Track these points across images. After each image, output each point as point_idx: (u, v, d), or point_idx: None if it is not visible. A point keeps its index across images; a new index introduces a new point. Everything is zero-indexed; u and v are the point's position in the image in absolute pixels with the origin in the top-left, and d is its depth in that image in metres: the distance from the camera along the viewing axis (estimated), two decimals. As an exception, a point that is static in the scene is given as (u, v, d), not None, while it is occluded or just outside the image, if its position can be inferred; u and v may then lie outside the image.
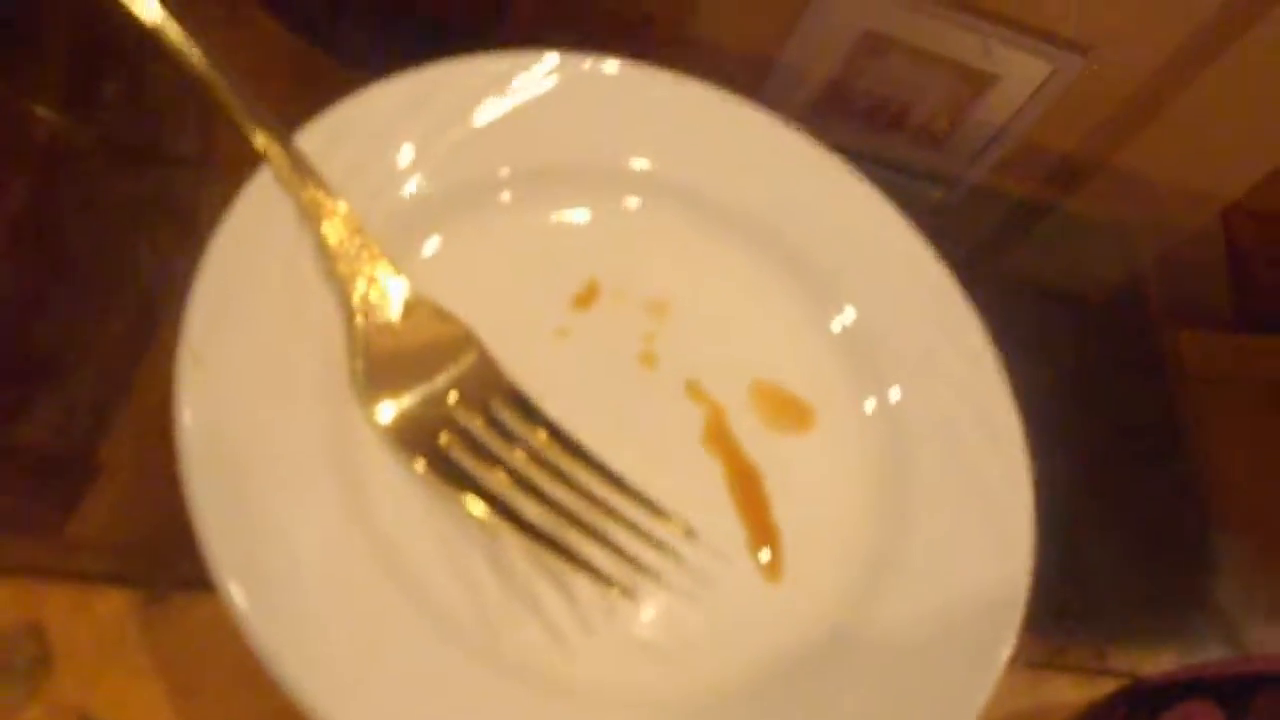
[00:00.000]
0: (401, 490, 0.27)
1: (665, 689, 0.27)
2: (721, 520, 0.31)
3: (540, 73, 0.33)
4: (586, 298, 0.32)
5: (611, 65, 0.34)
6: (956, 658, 0.29)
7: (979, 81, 0.52)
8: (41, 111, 0.31)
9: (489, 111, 0.32)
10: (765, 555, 0.30)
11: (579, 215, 0.34)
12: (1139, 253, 0.54)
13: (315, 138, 0.29)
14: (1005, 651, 0.29)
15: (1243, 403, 0.46)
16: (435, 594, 0.26)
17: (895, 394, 0.34)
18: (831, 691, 0.28)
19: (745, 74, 0.39)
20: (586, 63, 0.34)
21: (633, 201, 0.34)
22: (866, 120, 0.50)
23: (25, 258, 0.29)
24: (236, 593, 0.23)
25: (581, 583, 0.27)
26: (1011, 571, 0.30)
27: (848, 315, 0.35)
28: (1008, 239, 0.53)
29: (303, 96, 0.30)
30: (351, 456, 0.27)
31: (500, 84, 0.33)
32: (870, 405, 0.34)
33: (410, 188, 0.31)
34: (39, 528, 0.26)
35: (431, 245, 0.31)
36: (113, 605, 0.26)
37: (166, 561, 0.26)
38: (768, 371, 0.33)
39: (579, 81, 0.34)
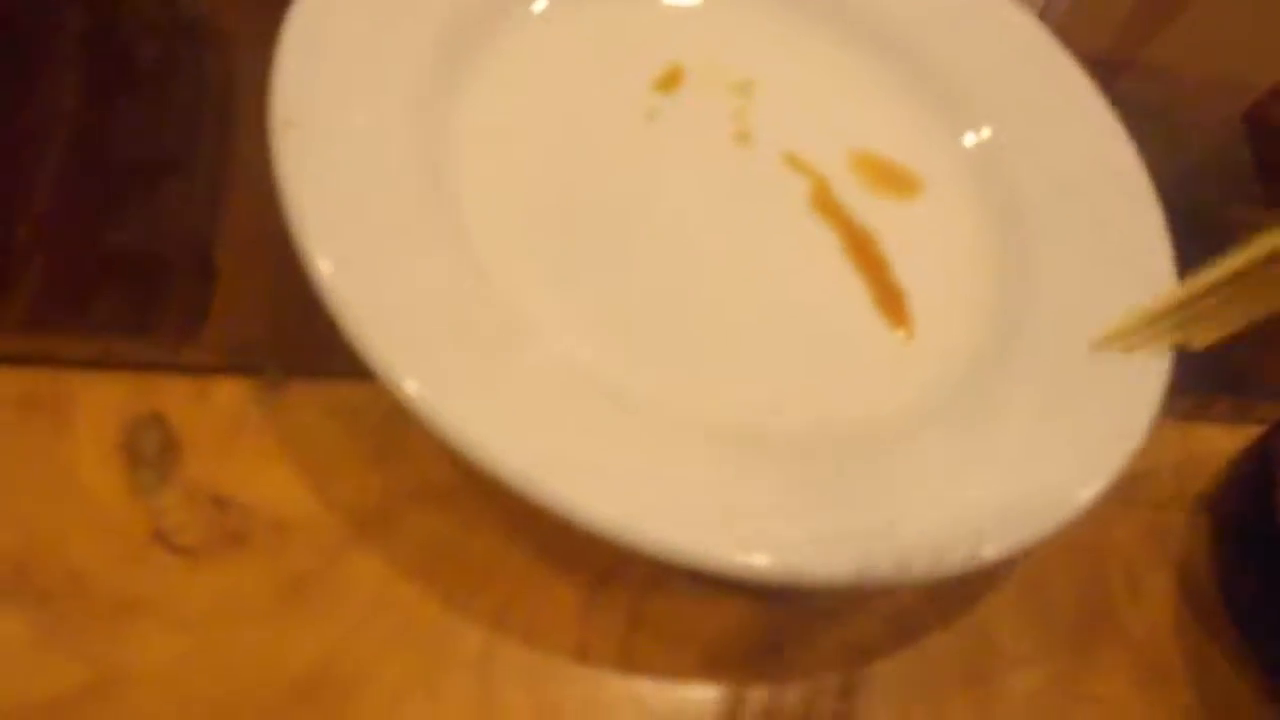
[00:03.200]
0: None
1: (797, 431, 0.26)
2: (846, 283, 0.29)
3: None
4: (670, 80, 0.31)
5: None
6: (1100, 409, 0.27)
7: None
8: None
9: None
10: (893, 313, 0.29)
11: None
12: (1182, 147, 0.53)
13: None
14: (1154, 403, 0.27)
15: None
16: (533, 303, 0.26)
17: (990, 133, 0.32)
18: (969, 445, 0.26)
19: None
20: None
21: None
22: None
23: (95, 71, 0.28)
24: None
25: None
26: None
27: (936, 69, 0.33)
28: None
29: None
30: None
31: None
32: (969, 141, 0.32)
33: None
34: (174, 335, 0.25)
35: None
36: (231, 394, 0.25)
37: (281, 351, 0.25)
38: (865, 140, 0.32)
39: None
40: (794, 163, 0.31)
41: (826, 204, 0.30)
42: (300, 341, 0.25)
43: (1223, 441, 0.31)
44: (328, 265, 0.23)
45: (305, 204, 0.23)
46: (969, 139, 0.32)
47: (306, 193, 0.24)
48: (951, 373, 0.28)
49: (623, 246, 0.28)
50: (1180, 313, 0.27)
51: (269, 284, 0.26)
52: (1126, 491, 0.26)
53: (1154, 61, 0.53)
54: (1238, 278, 0.25)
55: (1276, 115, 0.54)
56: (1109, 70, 0.50)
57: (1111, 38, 0.54)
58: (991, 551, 0.23)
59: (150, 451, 0.24)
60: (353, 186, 0.24)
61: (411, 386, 0.22)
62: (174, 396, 0.25)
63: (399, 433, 0.25)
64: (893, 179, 0.31)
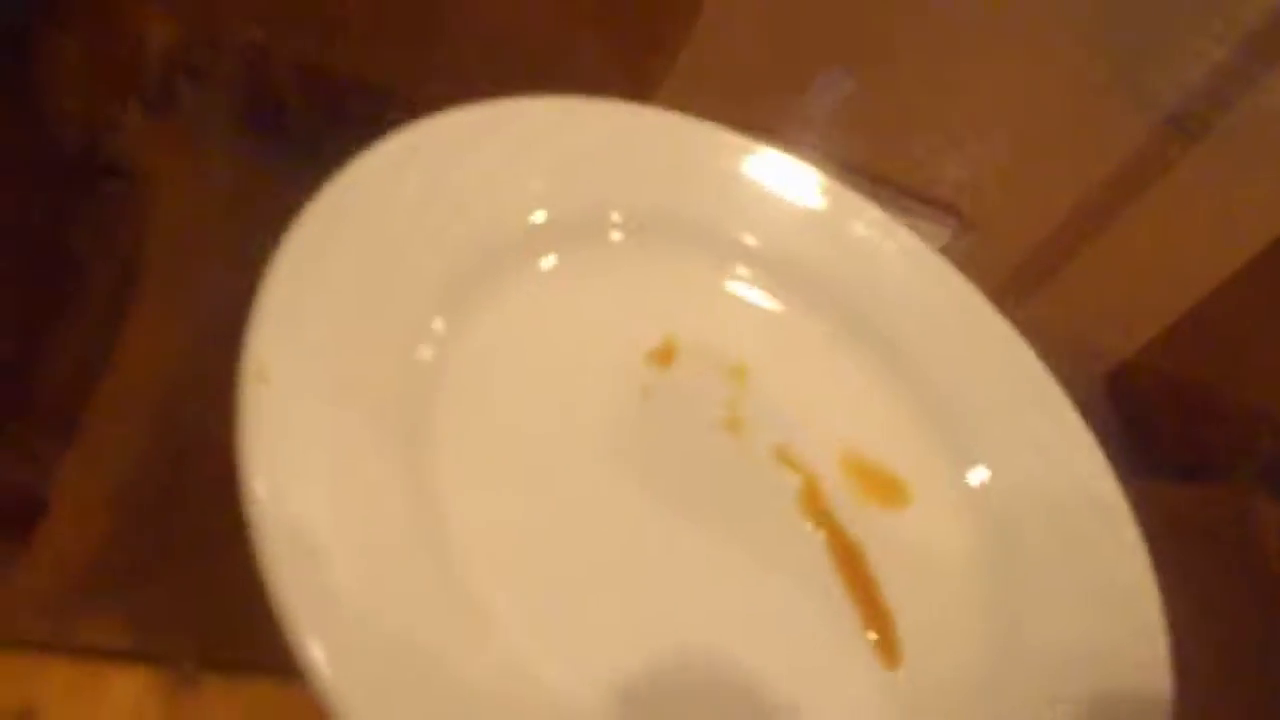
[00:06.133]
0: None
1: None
2: (831, 597, 0.27)
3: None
4: (664, 355, 0.30)
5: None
6: None
7: None
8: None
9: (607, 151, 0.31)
10: (877, 637, 0.27)
11: (667, 270, 0.32)
12: None
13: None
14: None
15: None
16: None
17: (986, 471, 0.31)
18: None
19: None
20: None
21: (723, 267, 0.33)
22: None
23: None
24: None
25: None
26: (1150, 658, 0.27)
27: (936, 393, 0.33)
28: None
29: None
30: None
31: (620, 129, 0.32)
32: (968, 479, 0.31)
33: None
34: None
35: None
36: (126, 688, 0.20)
37: (197, 637, 0.21)
38: (856, 443, 0.31)
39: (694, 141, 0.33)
40: (784, 458, 0.29)
41: (816, 508, 0.28)
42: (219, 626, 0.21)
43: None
44: (278, 548, 0.19)
45: (262, 464, 0.20)
46: (969, 475, 0.31)
47: (265, 453, 0.20)
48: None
49: (602, 539, 0.25)
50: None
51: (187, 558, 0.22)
52: None
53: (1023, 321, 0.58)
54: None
55: (1142, 381, 0.57)
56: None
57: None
58: None
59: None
60: (320, 459, 0.21)
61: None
62: (52, 687, 0.20)
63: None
64: (882, 484, 0.30)
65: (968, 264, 0.59)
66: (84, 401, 0.24)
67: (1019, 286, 0.62)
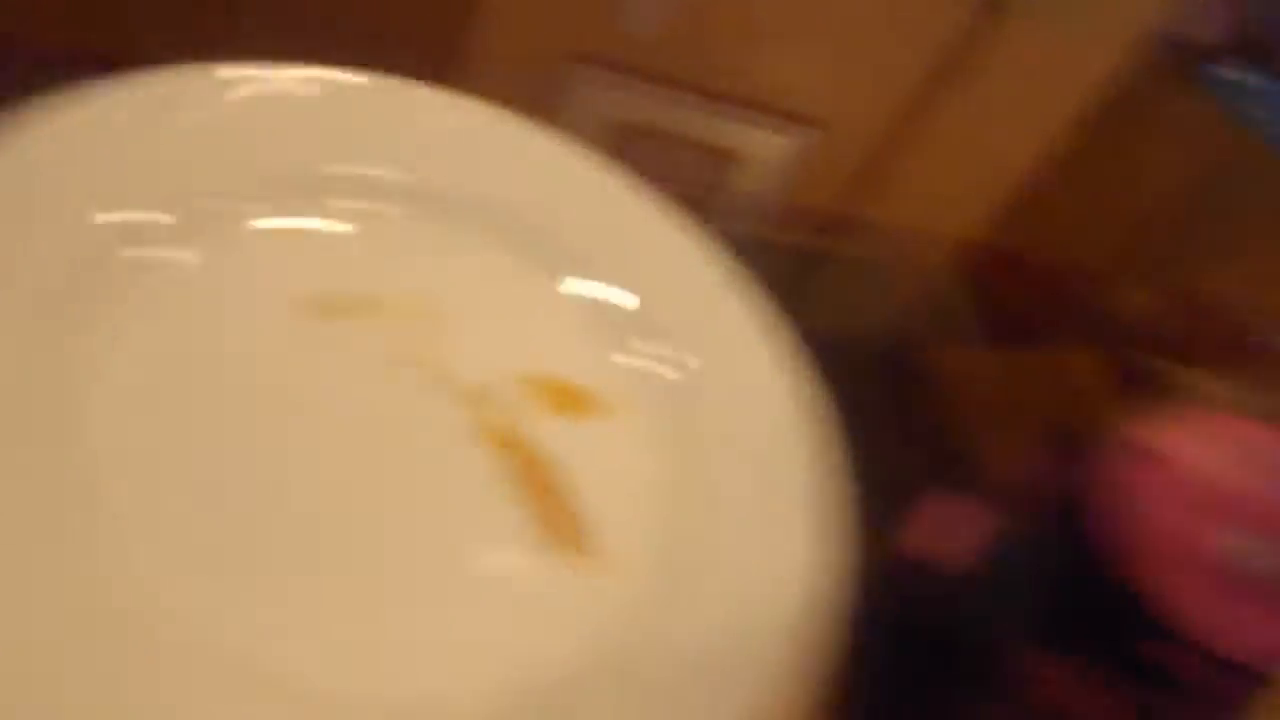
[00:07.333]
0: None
1: (461, 694, 0.25)
2: (516, 513, 0.29)
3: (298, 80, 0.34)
4: (345, 307, 0.31)
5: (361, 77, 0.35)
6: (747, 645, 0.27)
7: (729, 158, 0.58)
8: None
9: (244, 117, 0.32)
10: (566, 545, 0.29)
11: (330, 225, 0.33)
12: (902, 293, 0.58)
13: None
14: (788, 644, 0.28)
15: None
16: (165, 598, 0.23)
17: (673, 370, 0.34)
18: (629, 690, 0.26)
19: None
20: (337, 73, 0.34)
21: (386, 211, 0.34)
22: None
23: None
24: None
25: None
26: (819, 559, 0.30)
27: (614, 298, 0.35)
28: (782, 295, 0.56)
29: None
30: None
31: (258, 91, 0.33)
32: (652, 381, 0.33)
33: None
34: None
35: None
36: None
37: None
38: (542, 363, 0.32)
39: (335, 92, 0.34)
40: (469, 387, 0.31)
41: (500, 431, 0.30)
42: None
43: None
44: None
45: None
46: (656, 374, 0.34)
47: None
48: (623, 620, 0.28)
49: (265, 486, 0.27)
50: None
51: None
52: None
53: (871, 219, 0.60)
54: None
55: (995, 260, 0.61)
56: (832, 228, 0.55)
57: (832, 199, 0.61)
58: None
59: None
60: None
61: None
62: None
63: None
64: (570, 400, 0.32)
65: (812, 166, 0.61)
66: None
67: (865, 181, 0.65)
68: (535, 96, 0.52)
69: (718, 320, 0.35)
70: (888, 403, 0.45)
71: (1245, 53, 0.84)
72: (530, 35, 0.57)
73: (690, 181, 0.55)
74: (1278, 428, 0.23)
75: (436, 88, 0.36)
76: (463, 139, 0.35)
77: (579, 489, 0.30)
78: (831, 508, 0.30)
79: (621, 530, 0.30)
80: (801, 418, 0.33)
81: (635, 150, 0.53)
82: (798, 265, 0.56)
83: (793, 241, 0.57)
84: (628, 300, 0.35)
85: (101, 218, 0.28)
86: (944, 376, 0.48)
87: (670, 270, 0.35)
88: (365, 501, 0.28)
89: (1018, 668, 0.25)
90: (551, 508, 0.29)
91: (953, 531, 0.28)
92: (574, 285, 0.35)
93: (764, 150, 0.59)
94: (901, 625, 0.28)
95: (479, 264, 0.34)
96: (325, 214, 0.33)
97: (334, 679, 0.24)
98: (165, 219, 0.30)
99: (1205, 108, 0.85)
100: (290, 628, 0.25)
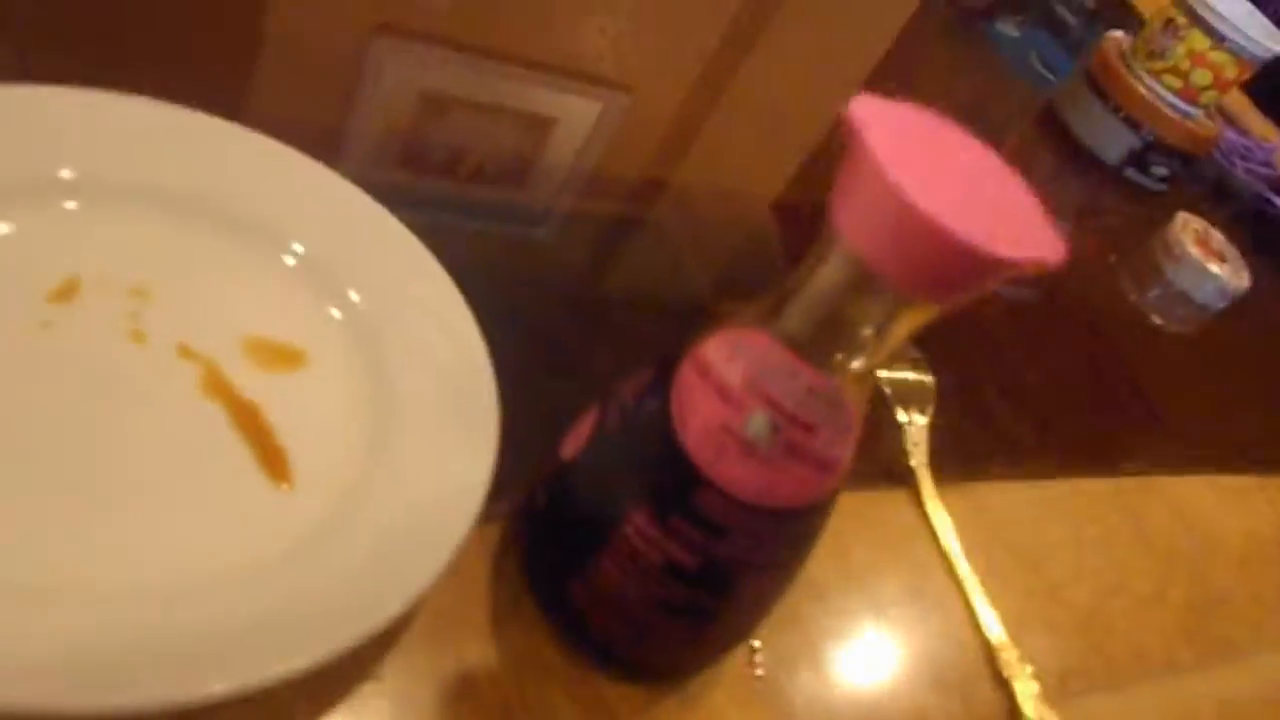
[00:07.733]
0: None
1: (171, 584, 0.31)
2: (231, 451, 0.36)
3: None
4: (66, 292, 0.36)
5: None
6: (424, 540, 0.35)
7: (541, 126, 0.60)
8: None
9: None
10: (274, 470, 0.36)
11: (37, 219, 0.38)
12: (715, 255, 0.64)
13: None
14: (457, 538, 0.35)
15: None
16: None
17: (357, 308, 0.41)
18: (326, 572, 0.33)
19: (317, 142, 0.44)
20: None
21: (85, 202, 0.39)
22: (449, 172, 0.55)
23: None
24: None
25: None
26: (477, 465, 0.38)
27: (299, 252, 0.42)
28: (603, 261, 0.59)
29: None
30: None
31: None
32: (335, 314, 0.41)
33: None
34: None
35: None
36: None
37: None
38: (253, 326, 0.39)
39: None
40: (186, 353, 0.37)
41: (216, 386, 0.37)
42: None
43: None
44: None
45: None
46: (335, 312, 0.41)
47: None
48: (321, 518, 0.35)
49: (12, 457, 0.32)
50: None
51: None
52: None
53: (684, 182, 0.65)
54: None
55: (798, 211, 0.66)
56: (649, 190, 0.59)
57: (648, 162, 0.65)
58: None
59: None
60: None
61: None
62: None
63: None
64: (278, 356, 0.39)
65: (624, 130, 0.64)
66: None
67: (678, 143, 0.68)
68: (345, 72, 0.54)
69: (384, 264, 0.42)
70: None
71: (1007, 9, 1.09)
72: (328, 11, 0.58)
73: (508, 150, 0.58)
74: (781, 341, 0.32)
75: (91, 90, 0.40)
76: (127, 134, 0.41)
77: (287, 429, 0.37)
78: (484, 420, 0.38)
79: (319, 457, 0.37)
80: (462, 347, 0.40)
81: (445, 120, 0.56)
82: (610, 231, 0.60)
83: (605, 208, 0.61)
84: (304, 255, 0.42)
85: None
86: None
87: (337, 223, 0.43)
88: (105, 445, 0.34)
89: (621, 525, 0.34)
90: (264, 446, 0.36)
91: (579, 432, 0.36)
92: (263, 251, 0.41)
93: (575, 115, 0.62)
94: (550, 507, 0.37)
95: (183, 247, 0.40)
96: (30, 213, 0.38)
97: (53, 575, 0.30)
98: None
99: (980, 55, 1.02)
100: (24, 538, 0.31)
